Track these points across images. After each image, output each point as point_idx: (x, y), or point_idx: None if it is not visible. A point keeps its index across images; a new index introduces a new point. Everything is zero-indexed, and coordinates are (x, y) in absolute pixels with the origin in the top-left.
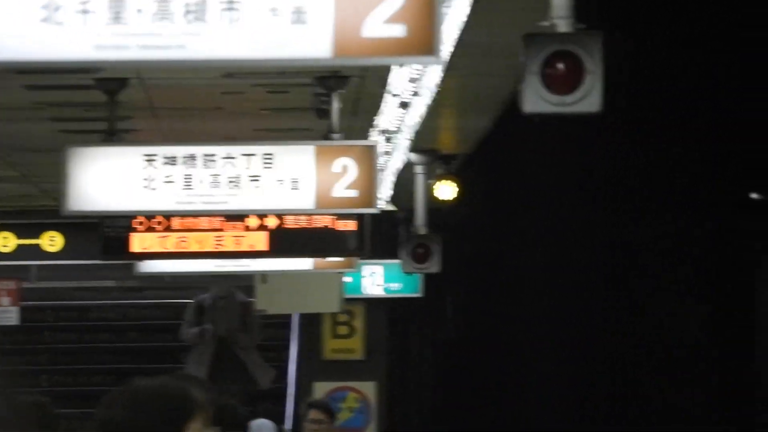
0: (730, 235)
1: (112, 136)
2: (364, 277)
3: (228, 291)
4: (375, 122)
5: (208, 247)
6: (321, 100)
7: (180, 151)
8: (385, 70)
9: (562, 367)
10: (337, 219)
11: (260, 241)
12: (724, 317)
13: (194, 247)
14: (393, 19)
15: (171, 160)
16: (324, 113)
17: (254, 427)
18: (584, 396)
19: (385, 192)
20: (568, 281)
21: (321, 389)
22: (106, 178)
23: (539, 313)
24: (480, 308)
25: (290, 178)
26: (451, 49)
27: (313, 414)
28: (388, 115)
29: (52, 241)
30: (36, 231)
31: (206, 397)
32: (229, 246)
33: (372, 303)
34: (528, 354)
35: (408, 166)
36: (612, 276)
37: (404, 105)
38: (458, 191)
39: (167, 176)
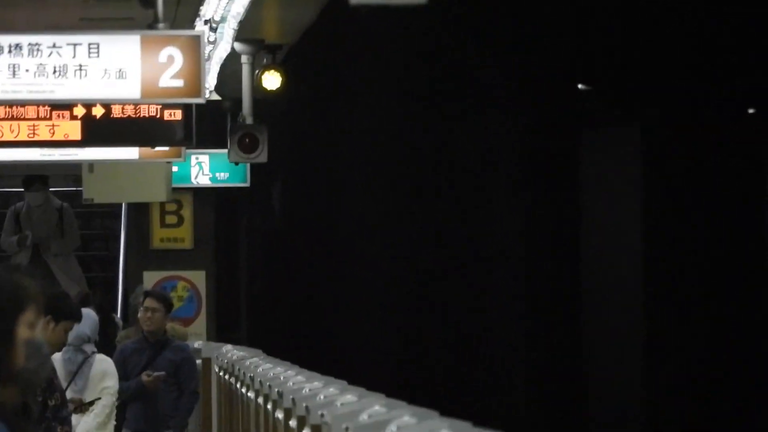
0: (551, 130)
1: None
2: (191, 166)
3: (44, 197)
4: (200, 11)
5: (23, 137)
6: None
7: (5, 40)
8: None
9: (381, 255)
10: (163, 109)
11: (75, 130)
12: (545, 220)
13: (8, 137)
14: None
15: None
16: (149, 2)
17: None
18: (402, 275)
19: (211, 82)
20: (389, 173)
21: (151, 279)
22: None
23: (362, 204)
24: (306, 198)
25: (116, 67)
26: None
27: (149, 302)
28: (212, 4)
29: None
30: None
31: (37, 287)
32: (44, 135)
33: (200, 192)
34: (351, 244)
35: (234, 56)
36: (430, 173)
37: None
38: (283, 81)
39: None
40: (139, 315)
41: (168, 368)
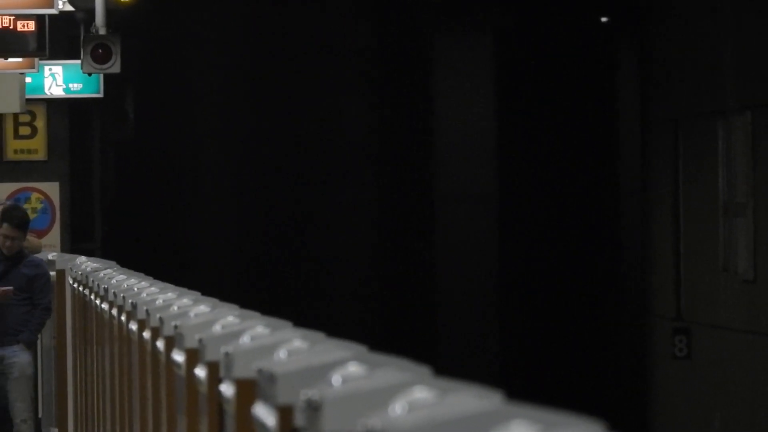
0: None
1: None
2: (45, 77)
3: None
4: None
5: None
6: None
7: None
8: None
9: (230, 164)
10: (16, 19)
11: None
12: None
13: None
14: None
15: None
16: None
17: None
18: (251, 185)
19: None
20: (239, 80)
21: (4, 190)
22: None
23: (212, 112)
24: (159, 108)
25: None
26: None
27: (6, 230)
28: None
29: None
30: None
31: None
32: None
33: (53, 103)
34: (201, 154)
35: None
36: (280, 76)
37: None
38: None
39: None
40: None
41: (21, 283)
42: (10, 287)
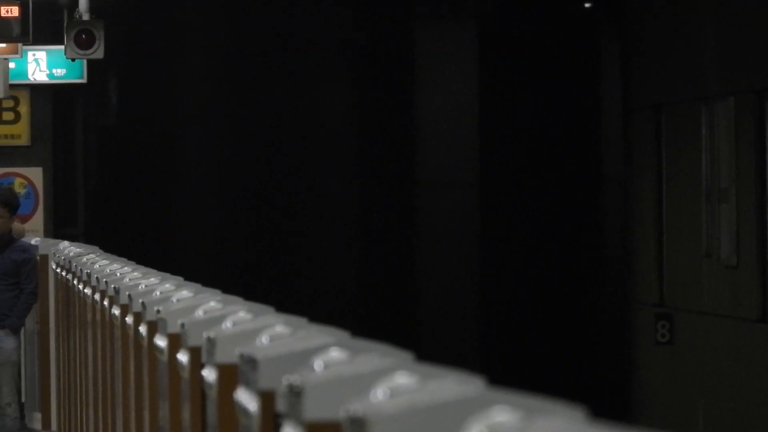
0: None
1: None
2: (28, 63)
3: None
4: None
5: None
6: None
7: None
8: None
9: (214, 148)
10: (0, 5)
11: None
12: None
13: None
14: None
15: None
16: None
17: None
18: (236, 169)
19: None
20: (222, 66)
21: None
22: None
23: (195, 98)
24: (142, 94)
25: None
26: None
27: None
28: None
29: None
30: None
31: None
32: None
33: (37, 89)
34: (184, 140)
35: None
36: (262, 65)
37: None
38: None
39: None
40: None
41: (9, 268)
42: None
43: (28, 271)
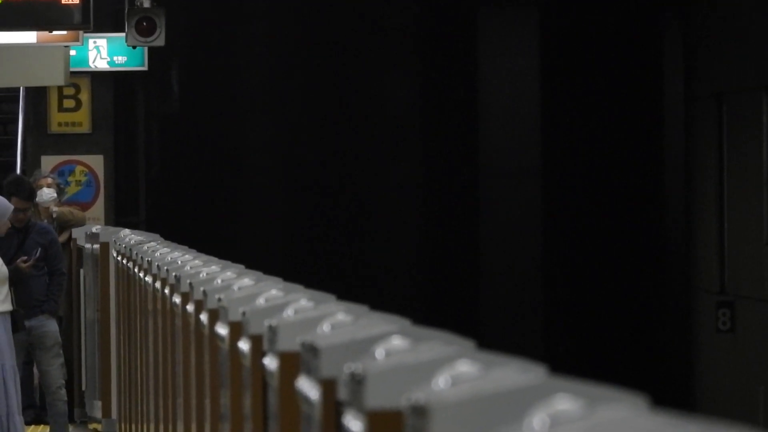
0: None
1: None
2: (89, 50)
3: None
4: None
5: None
6: None
7: None
8: None
9: (278, 137)
10: None
11: None
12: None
13: None
14: None
15: None
16: None
17: None
18: (299, 158)
19: None
20: (287, 56)
21: (48, 162)
22: None
23: (259, 86)
24: (203, 82)
25: None
26: None
27: (16, 202)
28: None
29: None
30: None
31: None
32: None
33: (98, 76)
34: (247, 128)
35: None
36: (327, 56)
37: None
38: None
39: None
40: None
41: (39, 252)
42: (36, 254)
43: (55, 252)
